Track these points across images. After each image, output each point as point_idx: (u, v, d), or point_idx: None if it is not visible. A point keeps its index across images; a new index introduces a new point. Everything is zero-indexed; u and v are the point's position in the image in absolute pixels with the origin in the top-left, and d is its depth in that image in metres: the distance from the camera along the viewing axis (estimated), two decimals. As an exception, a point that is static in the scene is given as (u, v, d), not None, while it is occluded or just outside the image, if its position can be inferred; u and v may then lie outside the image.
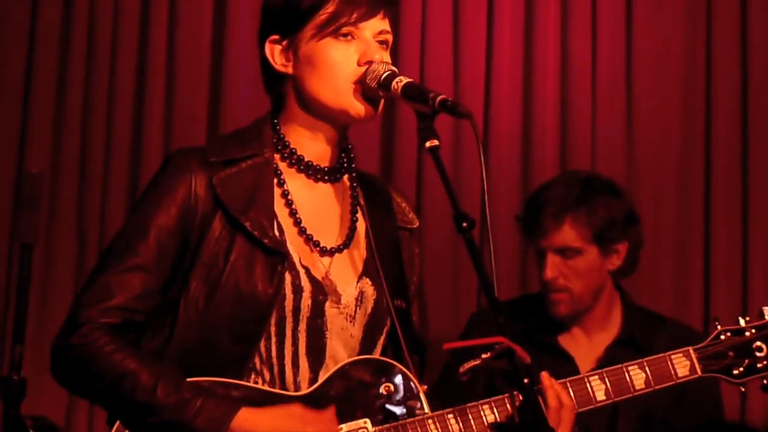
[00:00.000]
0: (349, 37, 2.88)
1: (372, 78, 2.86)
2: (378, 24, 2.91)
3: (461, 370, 2.83)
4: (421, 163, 5.27)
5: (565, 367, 3.88)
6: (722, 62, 5.48)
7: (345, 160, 3.00)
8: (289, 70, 2.92)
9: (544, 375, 2.97)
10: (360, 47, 2.88)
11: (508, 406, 2.66)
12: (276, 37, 2.93)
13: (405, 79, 2.83)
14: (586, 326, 3.95)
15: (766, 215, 5.40)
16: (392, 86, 2.83)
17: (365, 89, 2.86)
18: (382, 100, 2.88)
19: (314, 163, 2.94)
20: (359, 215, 2.99)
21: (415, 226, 3.11)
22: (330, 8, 2.88)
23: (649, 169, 5.44)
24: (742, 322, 3.14)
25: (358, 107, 2.87)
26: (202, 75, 5.33)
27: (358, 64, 2.87)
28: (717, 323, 3.15)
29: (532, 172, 5.34)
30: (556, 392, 2.94)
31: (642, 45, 5.48)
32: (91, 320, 2.77)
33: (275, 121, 2.96)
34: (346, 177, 3.01)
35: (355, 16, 2.88)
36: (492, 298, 2.68)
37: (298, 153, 2.93)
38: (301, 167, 2.93)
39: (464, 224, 2.67)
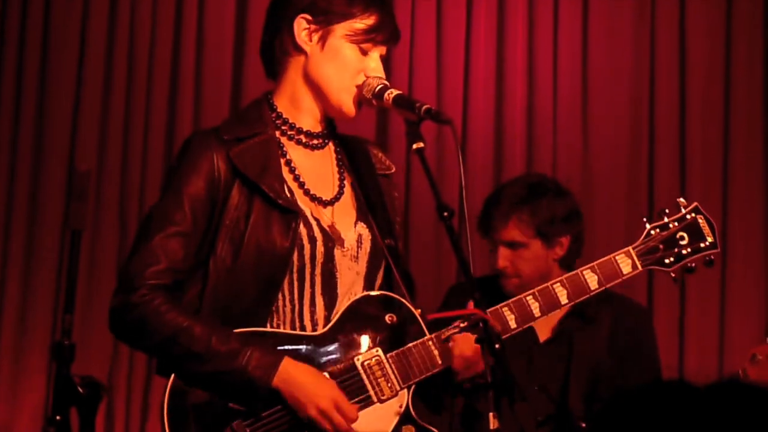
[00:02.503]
0: (368, 52, 2.89)
1: (368, 90, 2.86)
2: (384, 51, 2.93)
3: (443, 337, 2.84)
4: (409, 162, 5.27)
5: (525, 335, 3.88)
6: (663, 75, 5.49)
7: (328, 129, 2.98)
8: (307, 49, 2.88)
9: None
10: (370, 62, 2.88)
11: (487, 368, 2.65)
12: (309, 18, 2.88)
13: (395, 91, 2.84)
14: None
15: (701, 206, 5.40)
16: (384, 97, 2.83)
17: (361, 98, 2.87)
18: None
19: (307, 130, 2.92)
20: (345, 171, 2.97)
21: (392, 171, 3.08)
22: (369, 21, 2.87)
23: (602, 165, 5.43)
24: (665, 218, 3.10)
25: (349, 107, 2.89)
26: (225, 91, 5.33)
27: (366, 75, 2.88)
28: (645, 221, 3.12)
29: (503, 169, 5.35)
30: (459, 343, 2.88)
31: (596, 62, 5.48)
32: (146, 283, 2.73)
33: (271, 100, 2.94)
34: (331, 142, 2.98)
35: (381, 38, 2.89)
36: (468, 275, 2.69)
37: (298, 126, 2.91)
38: (300, 139, 2.92)
39: (445, 213, 2.68)
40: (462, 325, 2.80)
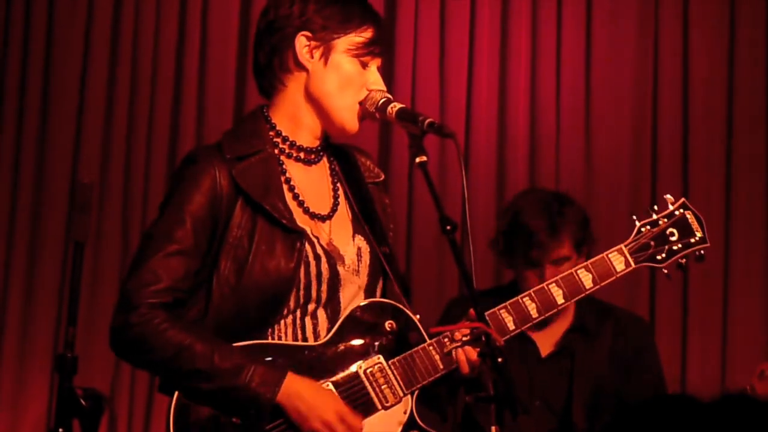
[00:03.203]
0: (367, 65, 2.89)
1: (371, 104, 2.86)
2: (379, 63, 2.93)
3: (444, 350, 2.84)
4: (412, 176, 5.27)
5: (528, 348, 3.88)
6: (666, 82, 5.48)
7: (325, 142, 2.97)
8: (309, 66, 2.88)
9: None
10: (370, 76, 2.89)
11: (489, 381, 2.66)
12: (309, 34, 2.87)
13: (398, 105, 2.84)
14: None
15: (704, 216, 5.37)
16: (387, 110, 2.83)
17: (364, 112, 2.88)
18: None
19: (305, 146, 2.92)
20: (338, 183, 2.97)
21: (381, 179, 3.06)
22: (367, 34, 2.88)
23: (605, 176, 5.42)
24: (653, 215, 3.10)
25: (352, 125, 2.89)
26: (228, 103, 5.33)
27: (367, 89, 2.88)
28: (635, 218, 3.11)
29: (506, 182, 5.35)
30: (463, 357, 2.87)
31: (598, 72, 5.48)
32: (145, 302, 2.72)
33: (267, 115, 2.93)
34: (325, 155, 2.98)
35: (379, 50, 2.90)
36: (471, 289, 2.68)
37: (298, 143, 2.91)
38: (300, 156, 2.91)
39: (448, 227, 2.67)
40: (465, 338, 2.81)
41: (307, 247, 2.82)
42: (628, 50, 5.49)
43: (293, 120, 2.91)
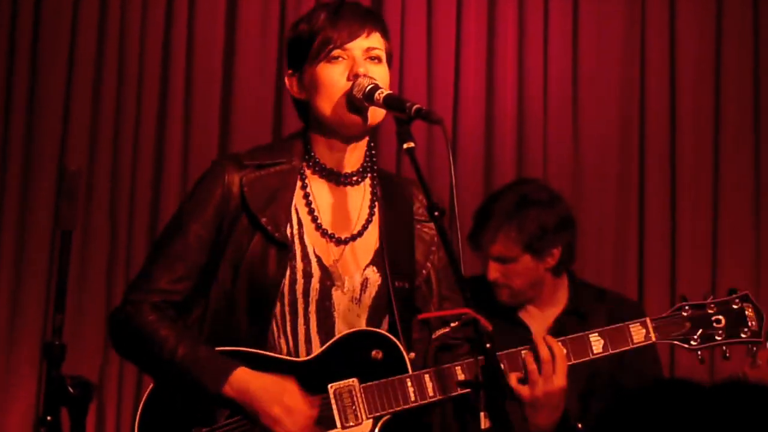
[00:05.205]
0: (340, 59, 2.87)
1: (357, 91, 2.84)
2: (364, 42, 2.89)
3: (433, 336, 2.83)
4: (399, 162, 5.26)
5: (521, 333, 3.87)
6: (653, 76, 5.49)
7: (368, 163, 2.97)
8: (304, 97, 2.93)
9: (536, 333, 2.97)
10: (349, 65, 2.87)
11: (477, 367, 2.65)
12: (290, 71, 2.95)
13: (385, 91, 2.82)
14: (537, 303, 3.92)
15: (692, 207, 5.41)
16: (375, 97, 2.81)
17: (352, 101, 2.84)
18: (370, 111, 2.85)
19: (335, 170, 2.92)
20: (376, 210, 2.95)
21: (431, 215, 3.00)
22: (320, 38, 2.88)
23: (593, 168, 5.43)
24: (705, 300, 3.03)
25: (349, 118, 2.86)
26: (215, 92, 5.31)
27: (347, 80, 2.85)
28: (681, 298, 3.05)
29: (493, 170, 5.35)
30: (545, 344, 2.93)
31: (586, 66, 5.48)
32: (135, 299, 2.84)
33: (307, 136, 2.96)
34: (368, 180, 2.97)
35: (339, 41, 2.87)
36: (459, 275, 2.67)
37: (321, 163, 2.92)
38: (324, 174, 2.92)
39: (436, 213, 2.68)
40: (454, 325, 2.80)
41: (299, 263, 2.84)
42: (616, 36, 5.50)
43: (322, 145, 2.93)
